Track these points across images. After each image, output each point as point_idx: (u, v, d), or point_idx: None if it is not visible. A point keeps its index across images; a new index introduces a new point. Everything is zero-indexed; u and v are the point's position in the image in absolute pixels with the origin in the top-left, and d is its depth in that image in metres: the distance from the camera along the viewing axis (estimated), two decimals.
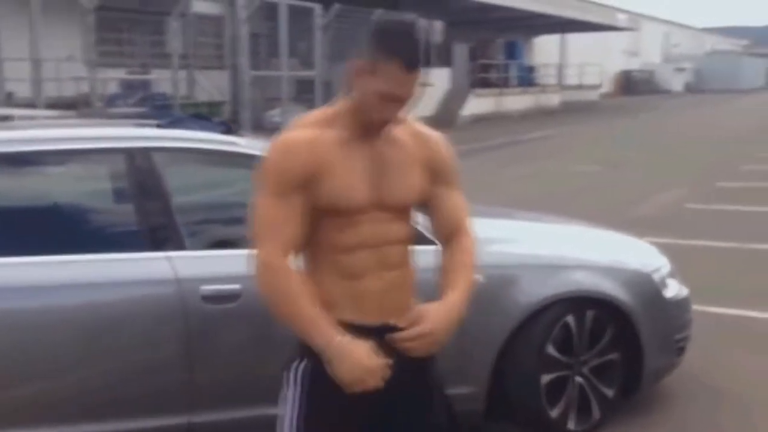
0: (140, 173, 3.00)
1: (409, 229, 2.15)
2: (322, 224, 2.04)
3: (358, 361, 1.93)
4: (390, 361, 1.96)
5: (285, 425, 2.08)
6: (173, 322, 2.88)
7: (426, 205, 2.19)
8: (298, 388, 2.07)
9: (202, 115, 3.54)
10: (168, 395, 2.92)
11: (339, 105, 2.08)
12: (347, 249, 2.05)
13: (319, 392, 2.04)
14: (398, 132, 2.10)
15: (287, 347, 2.13)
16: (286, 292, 1.97)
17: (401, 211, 2.11)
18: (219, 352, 2.94)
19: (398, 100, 1.98)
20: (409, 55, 1.93)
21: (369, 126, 2.03)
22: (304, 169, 1.99)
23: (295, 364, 2.08)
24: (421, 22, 2.02)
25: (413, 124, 2.16)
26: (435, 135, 2.20)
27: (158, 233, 2.96)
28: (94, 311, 2.84)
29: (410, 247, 2.15)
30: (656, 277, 3.77)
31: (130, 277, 2.89)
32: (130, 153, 3.02)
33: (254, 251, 2.01)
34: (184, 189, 3.18)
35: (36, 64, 15.29)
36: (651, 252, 4.05)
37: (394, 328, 2.03)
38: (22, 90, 15.63)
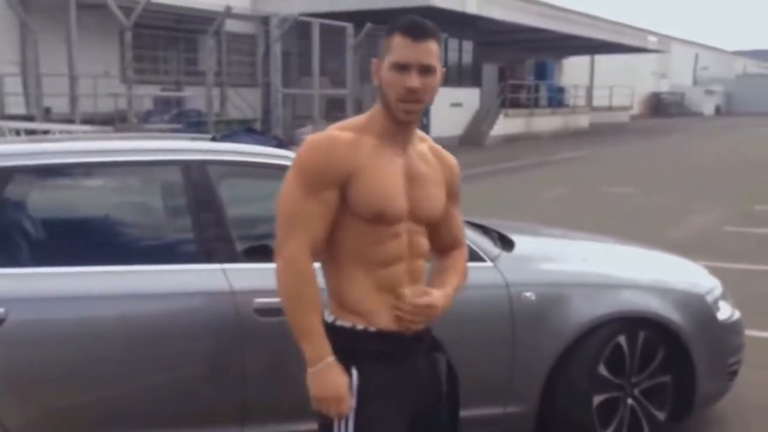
0: (196, 185, 3.02)
1: (428, 245, 2.21)
2: (362, 237, 2.05)
3: (333, 386, 2.02)
4: (353, 404, 2.04)
5: None
6: (227, 334, 2.88)
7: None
8: (351, 401, 2.05)
9: (254, 130, 3.56)
10: (220, 407, 2.91)
11: (370, 113, 2.13)
12: (386, 263, 2.07)
13: (373, 402, 2.05)
14: (423, 149, 2.18)
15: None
16: (305, 299, 2.02)
17: (427, 225, 2.18)
18: (271, 364, 2.94)
19: (413, 69, 1.99)
20: (407, 24, 2.02)
21: (396, 125, 2.07)
22: (344, 167, 2.02)
23: None
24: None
25: (432, 143, 2.25)
26: (451, 156, 2.30)
27: (213, 245, 2.97)
28: (148, 321, 2.85)
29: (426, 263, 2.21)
30: (709, 298, 3.71)
31: (186, 288, 2.90)
32: (186, 165, 3.04)
33: (282, 242, 2.03)
34: (238, 201, 3.19)
35: (73, 80, 15.56)
36: (703, 273, 3.99)
37: (421, 337, 2.15)
38: (60, 105, 15.89)
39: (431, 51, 2.02)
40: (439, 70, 2.06)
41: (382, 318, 2.08)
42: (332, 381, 2.02)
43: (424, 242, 2.16)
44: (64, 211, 3.10)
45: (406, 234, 2.09)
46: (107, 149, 3.14)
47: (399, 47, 2.01)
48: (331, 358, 2.03)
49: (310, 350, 2.04)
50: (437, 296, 2.13)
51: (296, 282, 2.02)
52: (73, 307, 2.80)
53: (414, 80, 2.01)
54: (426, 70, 2.02)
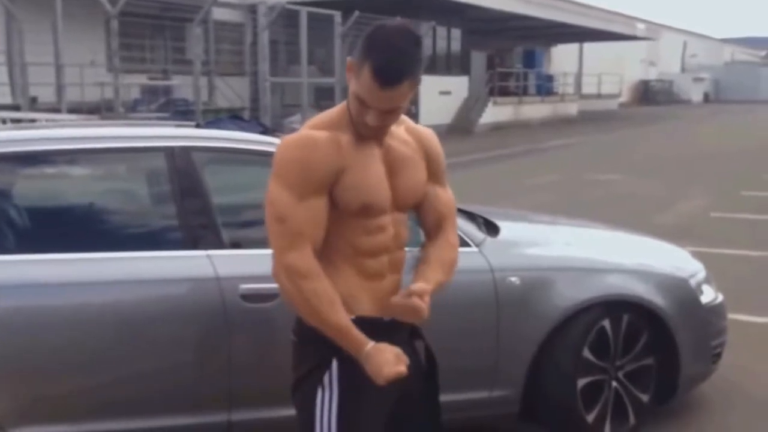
0: (180, 172, 3.01)
1: (408, 236, 2.18)
2: (348, 228, 2.04)
3: (384, 365, 1.97)
4: (408, 363, 2.00)
5: (319, 428, 2.07)
6: (213, 320, 2.89)
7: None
8: (333, 391, 2.06)
9: (239, 117, 3.55)
10: (207, 392, 2.92)
11: (341, 107, 2.07)
12: (372, 253, 2.07)
13: (354, 391, 2.05)
14: (400, 132, 2.13)
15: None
16: (323, 300, 1.97)
17: (409, 210, 2.15)
18: (258, 350, 2.95)
19: (374, 109, 1.95)
20: (381, 65, 1.89)
21: (360, 130, 2.02)
22: (331, 167, 1.98)
23: (325, 368, 2.08)
24: (416, 35, 1.94)
25: (409, 123, 2.19)
26: (428, 131, 2.23)
27: (198, 232, 2.97)
28: (134, 308, 2.85)
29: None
30: (692, 282, 3.74)
31: (171, 274, 2.90)
32: (170, 152, 3.03)
33: (280, 253, 1.97)
34: (223, 188, 3.18)
35: (59, 69, 15.45)
36: (686, 257, 4.03)
37: (401, 325, 2.11)
38: (46, 95, 15.79)
39: (398, 96, 1.92)
40: (409, 98, 1.96)
41: (364, 304, 2.08)
42: (380, 362, 1.97)
43: (406, 233, 2.16)
44: (49, 198, 3.09)
45: (392, 226, 2.09)
46: (91, 136, 3.14)
47: (366, 85, 1.91)
48: (369, 345, 1.99)
49: (349, 344, 2.00)
50: (426, 298, 2.02)
51: (309, 286, 1.96)
52: (59, 294, 2.79)
53: (373, 119, 1.96)
54: (389, 110, 1.96)
